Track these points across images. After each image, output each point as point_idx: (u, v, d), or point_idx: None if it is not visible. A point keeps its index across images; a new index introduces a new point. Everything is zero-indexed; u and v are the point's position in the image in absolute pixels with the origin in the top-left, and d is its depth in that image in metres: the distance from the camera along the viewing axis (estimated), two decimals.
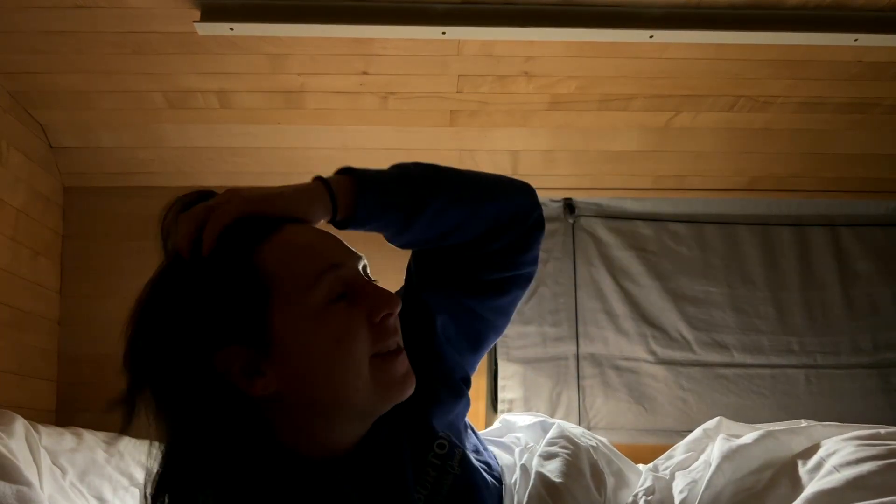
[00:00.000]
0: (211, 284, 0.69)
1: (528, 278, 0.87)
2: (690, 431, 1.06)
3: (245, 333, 0.69)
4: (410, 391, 0.75)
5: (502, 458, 0.97)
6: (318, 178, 0.76)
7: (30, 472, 1.20)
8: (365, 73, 1.72)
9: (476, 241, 0.82)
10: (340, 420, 0.74)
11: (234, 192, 0.72)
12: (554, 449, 0.94)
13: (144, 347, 0.70)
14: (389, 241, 0.84)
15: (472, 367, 0.90)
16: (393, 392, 0.74)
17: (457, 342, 0.87)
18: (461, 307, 0.86)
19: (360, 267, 0.76)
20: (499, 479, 0.90)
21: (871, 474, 0.67)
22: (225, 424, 0.70)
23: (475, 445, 0.91)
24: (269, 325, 0.69)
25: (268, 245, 0.70)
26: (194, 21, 1.47)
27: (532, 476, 0.88)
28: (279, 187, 0.74)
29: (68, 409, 1.94)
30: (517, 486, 0.88)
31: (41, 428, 1.45)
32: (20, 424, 1.37)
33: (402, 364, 0.75)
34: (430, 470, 0.79)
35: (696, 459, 0.93)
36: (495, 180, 0.85)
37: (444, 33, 1.52)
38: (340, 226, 0.77)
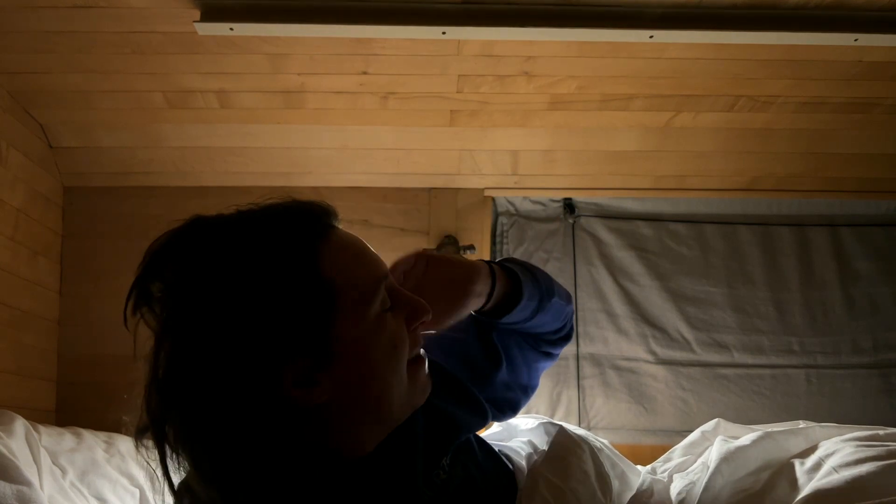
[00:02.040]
0: (278, 299, 0.65)
1: (556, 356, 1.05)
2: (690, 432, 1.06)
3: (307, 345, 0.67)
4: (428, 395, 0.78)
5: (513, 461, 0.97)
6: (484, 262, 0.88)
7: (30, 472, 1.20)
8: (365, 73, 1.72)
9: (546, 333, 1.00)
10: (376, 424, 0.75)
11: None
12: (559, 452, 0.94)
13: (196, 371, 0.64)
14: (488, 321, 0.95)
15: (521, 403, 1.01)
16: (421, 395, 0.77)
17: (511, 382, 0.98)
18: (521, 357, 1.00)
19: None
20: (510, 483, 0.90)
21: (870, 475, 0.67)
22: (270, 441, 0.66)
23: (485, 448, 0.92)
24: (332, 335, 0.68)
25: (326, 252, 0.69)
26: (194, 21, 1.47)
27: (537, 479, 0.88)
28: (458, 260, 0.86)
29: (68, 409, 1.94)
30: (523, 490, 0.88)
31: (41, 428, 1.45)
32: (20, 424, 1.37)
33: (426, 368, 0.77)
34: (440, 472, 0.80)
35: (695, 462, 0.93)
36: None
37: (444, 33, 1.52)
38: (486, 314, 0.90)
